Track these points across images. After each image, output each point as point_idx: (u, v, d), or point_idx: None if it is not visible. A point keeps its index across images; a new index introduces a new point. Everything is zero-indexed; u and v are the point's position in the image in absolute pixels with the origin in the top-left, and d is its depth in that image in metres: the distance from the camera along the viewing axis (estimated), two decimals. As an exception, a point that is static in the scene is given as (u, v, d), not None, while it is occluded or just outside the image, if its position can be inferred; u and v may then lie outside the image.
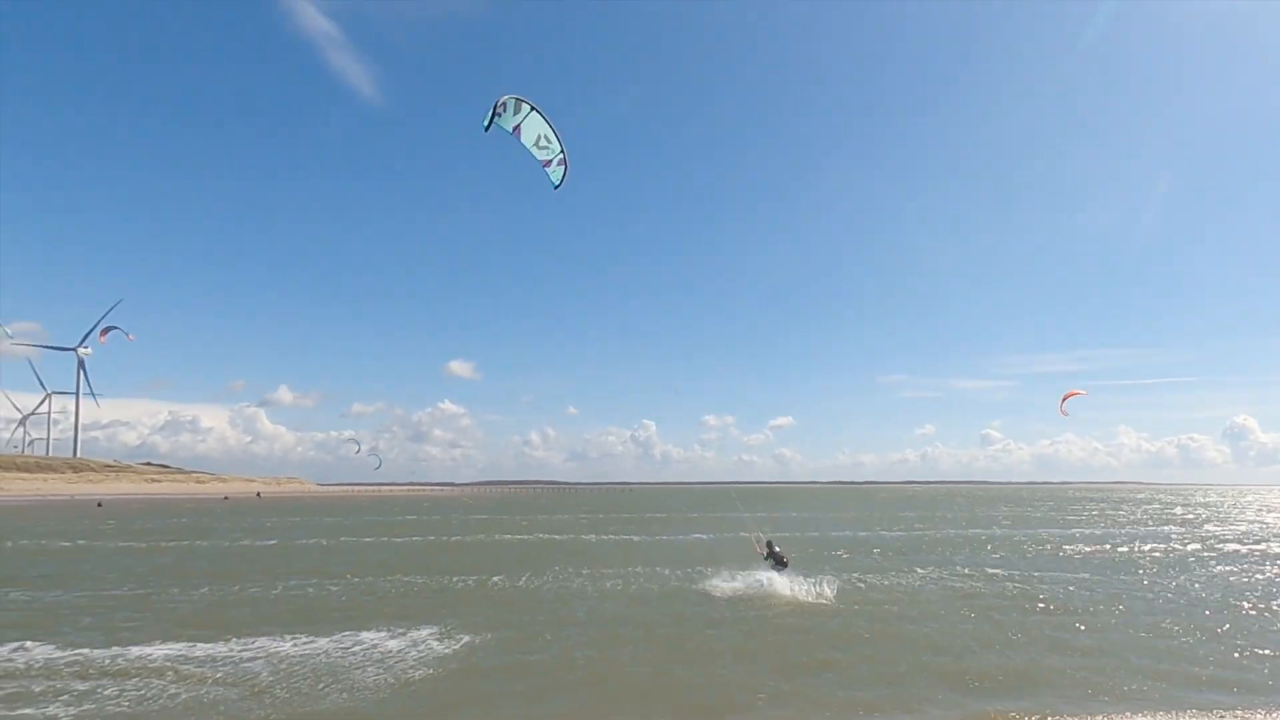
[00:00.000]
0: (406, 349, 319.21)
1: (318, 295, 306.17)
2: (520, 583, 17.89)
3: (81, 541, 30.75)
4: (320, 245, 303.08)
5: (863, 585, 17.24)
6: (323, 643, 11.18)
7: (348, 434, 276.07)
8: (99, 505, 75.66)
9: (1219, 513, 56.28)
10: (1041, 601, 15.16)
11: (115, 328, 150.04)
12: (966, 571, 20.02)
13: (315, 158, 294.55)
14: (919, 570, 20.19)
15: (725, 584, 16.55)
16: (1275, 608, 14.57)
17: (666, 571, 19.69)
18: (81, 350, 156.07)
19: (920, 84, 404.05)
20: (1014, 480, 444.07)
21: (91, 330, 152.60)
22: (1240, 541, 29.90)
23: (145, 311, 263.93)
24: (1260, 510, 61.86)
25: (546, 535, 35.04)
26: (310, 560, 23.84)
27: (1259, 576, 19.15)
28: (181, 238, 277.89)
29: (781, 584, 15.77)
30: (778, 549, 16.54)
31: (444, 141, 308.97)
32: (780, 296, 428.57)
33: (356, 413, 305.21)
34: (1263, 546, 27.65)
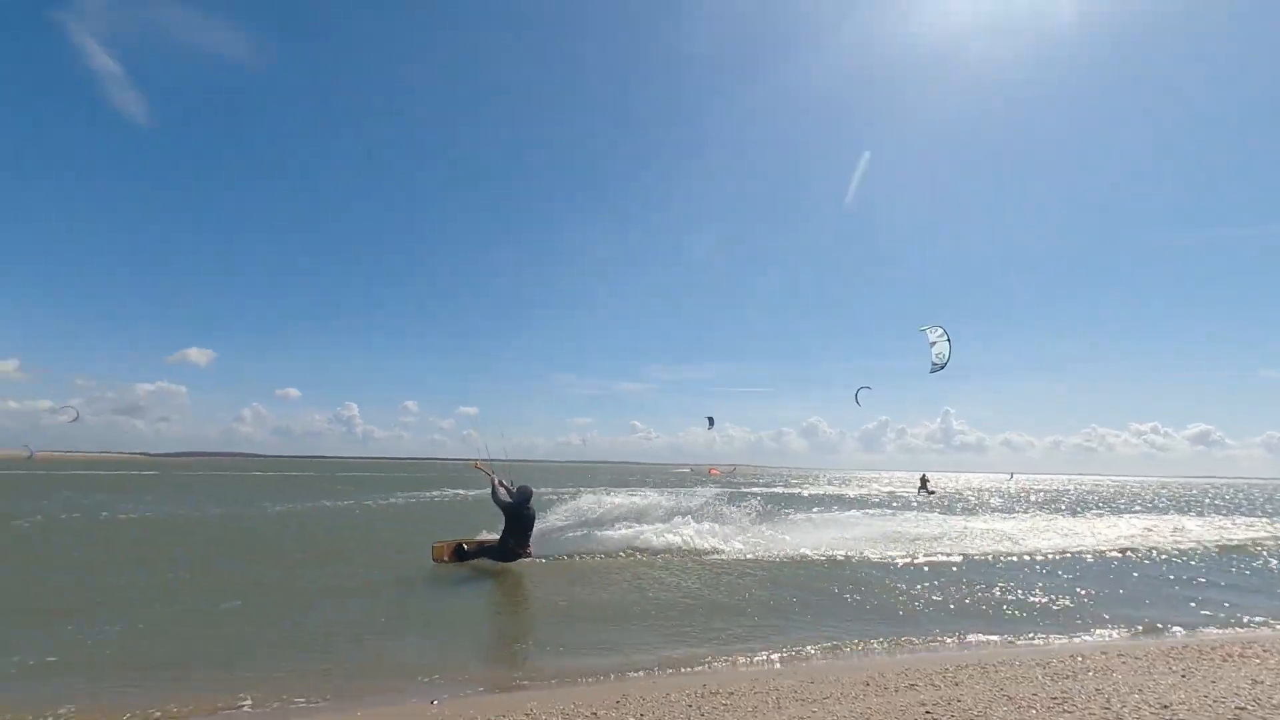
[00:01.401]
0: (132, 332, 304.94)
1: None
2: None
3: None
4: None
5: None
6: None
7: (69, 403, 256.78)
8: None
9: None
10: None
11: None
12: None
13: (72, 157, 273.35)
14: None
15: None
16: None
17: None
18: None
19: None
20: (658, 460, 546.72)
21: None
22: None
23: None
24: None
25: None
26: None
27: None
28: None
29: None
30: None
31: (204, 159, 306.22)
32: (477, 303, 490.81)
33: (64, 385, 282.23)
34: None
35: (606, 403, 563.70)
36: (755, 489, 50.27)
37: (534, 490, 12.30)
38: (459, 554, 12.19)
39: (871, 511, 26.31)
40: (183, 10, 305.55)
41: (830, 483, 75.29)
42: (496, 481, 12.37)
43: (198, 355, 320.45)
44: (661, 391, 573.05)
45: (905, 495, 44.72)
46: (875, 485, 67.32)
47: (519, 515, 11.92)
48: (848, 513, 25.29)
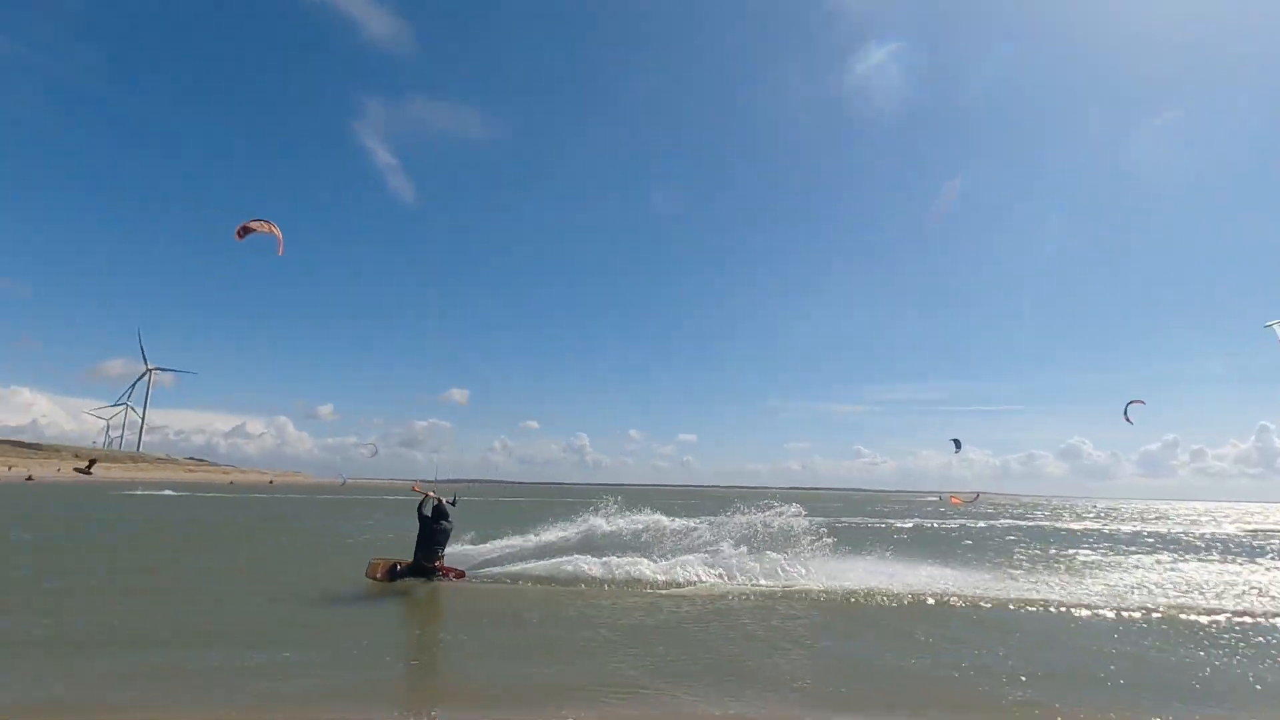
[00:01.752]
0: (409, 377, 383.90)
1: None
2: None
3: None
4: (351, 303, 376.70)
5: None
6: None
7: (370, 440, 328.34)
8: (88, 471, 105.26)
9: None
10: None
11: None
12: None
13: (358, 236, 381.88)
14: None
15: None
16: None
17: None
18: (152, 370, 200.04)
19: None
20: (887, 486, 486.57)
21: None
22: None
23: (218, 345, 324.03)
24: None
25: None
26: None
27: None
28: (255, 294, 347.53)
29: None
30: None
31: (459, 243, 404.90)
32: (691, 339, 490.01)
33: (364, 424, 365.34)
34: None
35: (823, 425, 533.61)
36: (1004, 520, 44.78)
37: (455, 505, 12.52)
38: (391, 574, 11.95)
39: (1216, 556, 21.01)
40: (438, 103, 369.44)
41: (1109, 516, 61.72)
42: (430, 494, 12.41)
43: (458, 394, 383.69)
44: (880, 413, 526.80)
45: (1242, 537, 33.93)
46: (1179, 520, 53.79)
47: (428, 529, 11.97)
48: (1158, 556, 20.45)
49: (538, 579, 12.96)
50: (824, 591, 12.23)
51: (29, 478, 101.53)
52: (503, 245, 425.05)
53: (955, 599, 11.85)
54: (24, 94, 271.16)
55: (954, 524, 37.91)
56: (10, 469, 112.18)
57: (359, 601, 10.88)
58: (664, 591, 12.23)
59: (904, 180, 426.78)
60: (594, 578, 13.03)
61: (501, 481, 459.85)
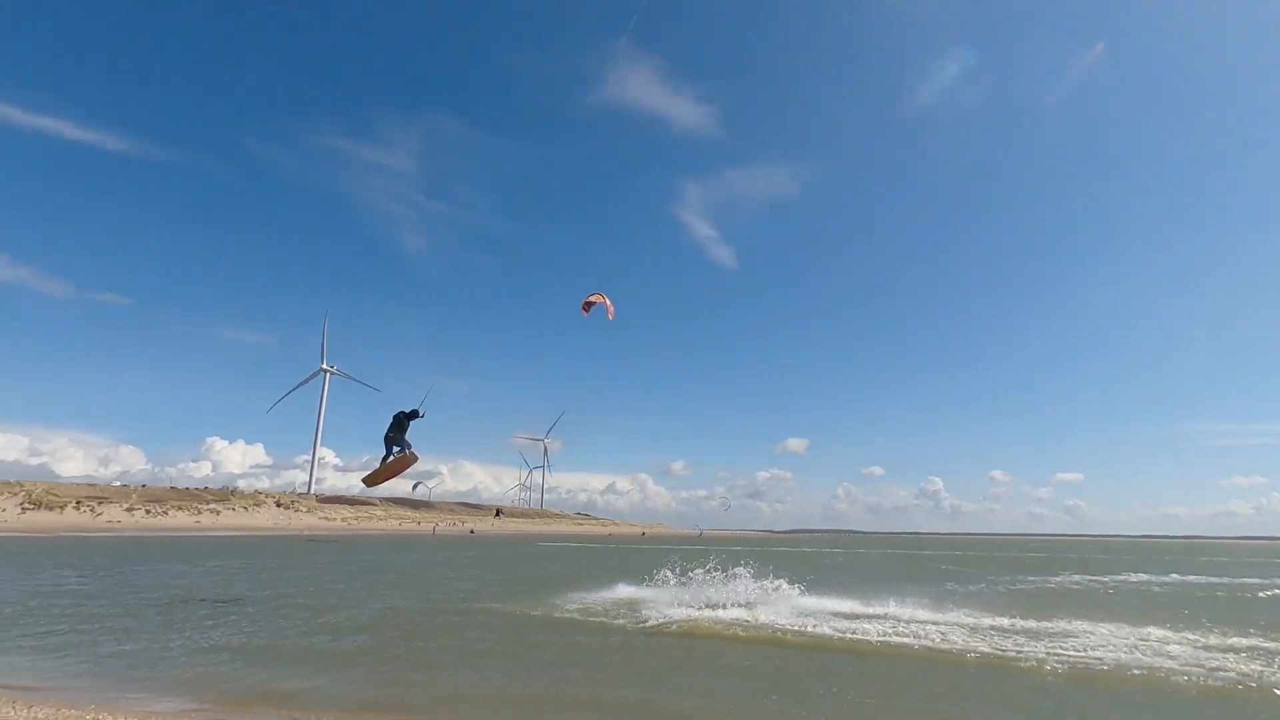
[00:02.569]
0: (748, 431, 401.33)
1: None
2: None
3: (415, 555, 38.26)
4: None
5: None
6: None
7: (719, 491, 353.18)
8: (470, 532, 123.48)
9: None
10: None
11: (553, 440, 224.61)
12: None
13: (691, 308, 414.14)
14: None
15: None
16: None
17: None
18: (549, 441, 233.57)
19: None
20: None
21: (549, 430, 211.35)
22: None
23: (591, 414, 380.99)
24: None
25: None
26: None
27: None
28: (615, 366, 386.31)
29: None
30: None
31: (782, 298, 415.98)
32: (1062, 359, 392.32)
33: (712, 477, 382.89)
34: None
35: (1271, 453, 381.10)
36: None
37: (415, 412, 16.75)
38: (376, 476, 16.91)
39: None
40: (746, 169, 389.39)
41: None
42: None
43: (795, 444, 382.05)
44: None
45: None
46: None
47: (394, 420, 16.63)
48: None
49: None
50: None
51: (471, 530, 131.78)
52: (828, 292, 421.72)
53: None
54: (450, 243, 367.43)
55: None
56: (456, 524, 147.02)
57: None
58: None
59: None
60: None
61: (851, 531, 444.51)
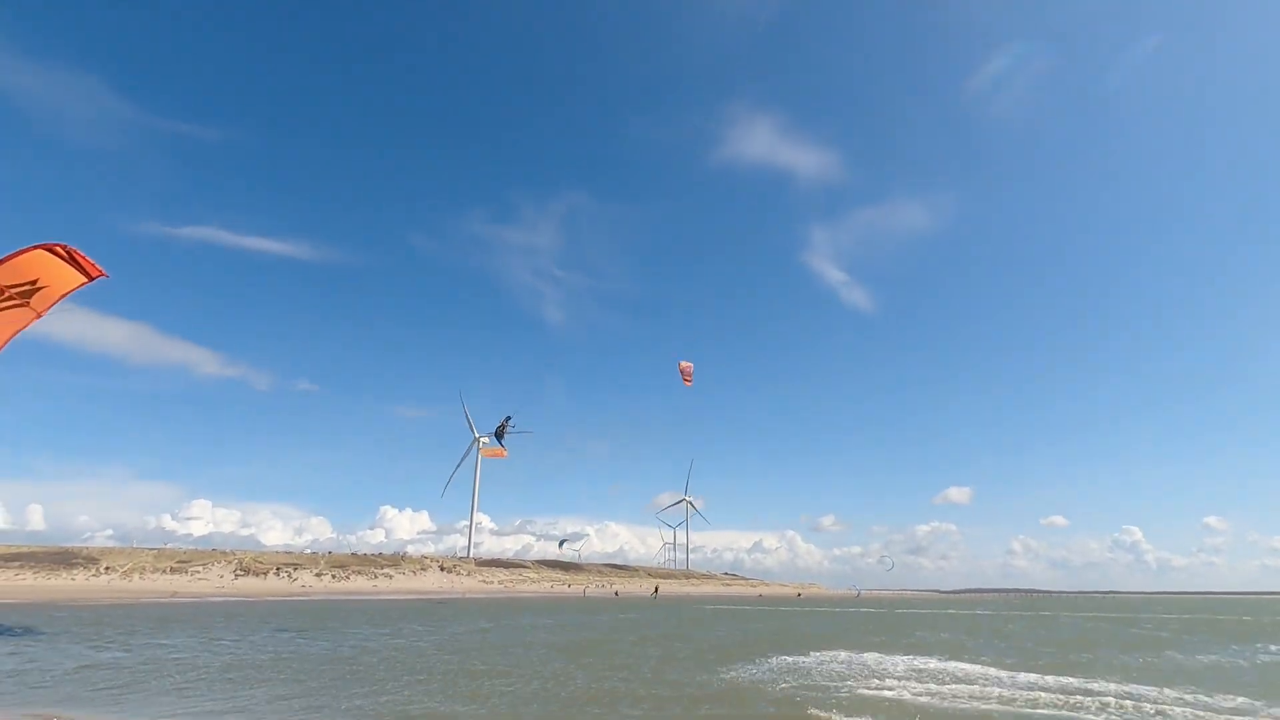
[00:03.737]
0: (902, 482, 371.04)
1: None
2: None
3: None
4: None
5: None
6: None
7: (874, 547, 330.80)
8: (615, 594, 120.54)
9: None
10: None
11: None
12: None
13: (825, 355, 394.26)
14: None
15: None
16: None
17: None
18: (689, 499, 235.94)
19: None
20: None
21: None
22: None
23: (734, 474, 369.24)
24: None
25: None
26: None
27: None
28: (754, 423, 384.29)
29: None
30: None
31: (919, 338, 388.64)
32: None
33: (866, 532, 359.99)
34: None
35: None
36: None
37: None
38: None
39: None
40: (875, 208, 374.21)
41: None
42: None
43: (957, 493, 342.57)
44: None
45: None
46: None
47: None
48: None
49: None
50: None
51: (616, 592, 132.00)
52: (981, 328, 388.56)
53: None
54: (589, 310, 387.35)
55: None
56: (604, 586, 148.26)
57: None
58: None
59: None
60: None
61: (1035, 591, 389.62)
